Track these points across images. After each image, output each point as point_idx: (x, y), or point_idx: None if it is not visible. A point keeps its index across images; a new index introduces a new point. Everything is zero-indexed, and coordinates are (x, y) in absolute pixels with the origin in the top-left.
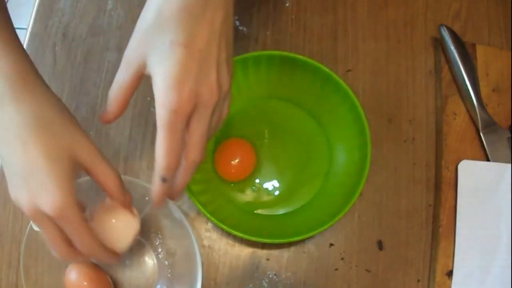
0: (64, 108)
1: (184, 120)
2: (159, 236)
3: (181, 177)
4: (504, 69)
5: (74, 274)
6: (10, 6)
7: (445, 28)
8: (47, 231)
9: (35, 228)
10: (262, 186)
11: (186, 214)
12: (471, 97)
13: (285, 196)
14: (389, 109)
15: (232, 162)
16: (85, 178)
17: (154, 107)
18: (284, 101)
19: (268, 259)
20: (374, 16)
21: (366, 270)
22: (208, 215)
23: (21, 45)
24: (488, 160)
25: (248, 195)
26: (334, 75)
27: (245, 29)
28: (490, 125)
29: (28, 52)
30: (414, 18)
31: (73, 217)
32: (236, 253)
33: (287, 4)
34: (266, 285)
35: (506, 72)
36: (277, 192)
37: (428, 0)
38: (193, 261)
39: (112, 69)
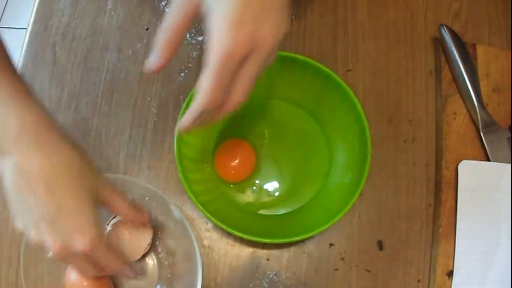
0: (83, 152)
1: (237, 63)
2: (159, 236)
3: (218, 113)
4: (504, 69)
5: (74, 274)
6: (10, 6)
7: (445, 28)
8: (78, 264)
9: (49, 255)
10: (262, 186)
11: (186, 214)
12: (471, 97)
13: (285, 196)
14: (389, 109)
15: (232, 163)
16: None
17: (154, 107)
18: (284, 101)
19: (268, 259)
20: (374, 16)
21: (366, 270)
22: (208, 215)
23: (32, 92)
24: (488, 160)
25: (248, 196)
26: (334, 75)
27: None
28: (490, 125)
29: (28, 52)
30: (414, 18)
31: (102, 250)
32: (236, 253)
33: None
34: (266, 285)
35: (506, 72)
36: (277, 193)
37: (428, 0)
38: (193, 261)
39: (112, 69)
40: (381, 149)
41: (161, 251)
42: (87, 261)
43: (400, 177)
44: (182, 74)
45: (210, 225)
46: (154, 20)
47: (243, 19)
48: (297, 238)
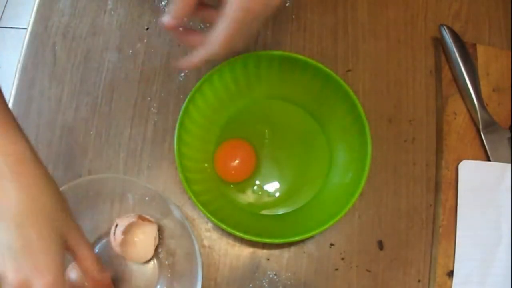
0: (58, 190)
1: (252, 20)
2: (159, 236)
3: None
4: (505, 69)
5: (74, 274)
6: (10, 6)
7: (445, 28)
8: None
9: None
10: (262, 187)
11: (186, 214)
12: (471, 97)
13: (285, 196)
14: (389, 109)
15: (231, 163)
16: (85, 179)
17: (154, 107)
18: (284, 101)
19: (268, 259)
20: (374, 16)
21: (367, 270)
22: (209, 215)
23: (18, 125)
24: (488, 160)
25: (248, 196)
26: (334, 75)
27: None
28: (491, 125)
29: (28, 52)
30: (414, 18)
31: None
32: (236, 253)
33: (287, 4)
34: (266, 285)
35: (507, 72)
36: (277, 193)
37: (428, 0)
38: (193, 261)
39: (112, 69)
40: (381, 149)
41: (161, 251)
42: None
43: (400, 177)
44: (182, 74)
45: (210, 225)
46: (154, 20)
47: None
48: (297, 238)
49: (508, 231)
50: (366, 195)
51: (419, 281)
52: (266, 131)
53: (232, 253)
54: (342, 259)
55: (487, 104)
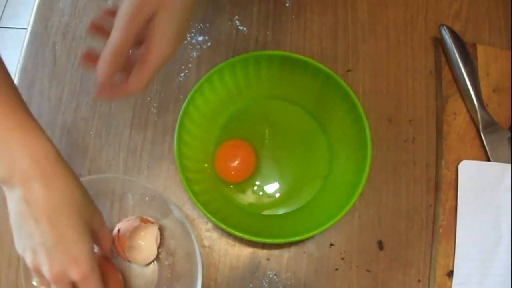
0: (79, 181)
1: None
2: (159, 236)
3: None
4: (505, 69)
5: None
6: (10, 6)
7: (445, 28)
8: None
9: (34, 283)
10: (262, 187)
11: (186, 214)
12: (471, 97)
13: (286, 196)
14: (389, 109)
15: (231, 163)
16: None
17: (154, 107)
18: (284, 101)
19: (268, 259)
20: (374, 16)
21: (367, 270)
22: (209, 215)
23: (37, 123)
24: (488, 160)
25: (248, 196)
26: (334, 75)
27: (245, 29)
28: (491, 125)
29: (28, 52)
30: (414, 18)
31: (95, 280)
32: (236, 253)
33: (287, 4)
34: (266, 285)
35: (507, 72)
36: (277, 193)
37: (428, 0)
38: (193, 261)
39: None
40: (381, 149)
41: (161, 251)
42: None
43: (400, 177)
44: (182, 74)
45: (210, 225)
46: None
47: None
48: (297, 238)
49: (508, 231)
50: (366, 195)
51: (419, 281)
52: (266, 131)
53: (232, 253)
54: (342, 259)
55: (487, 104)
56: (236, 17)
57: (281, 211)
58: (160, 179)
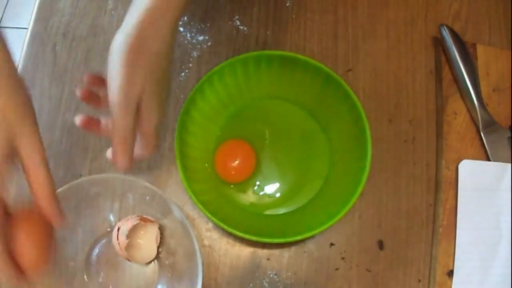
0: (26, 99)
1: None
2: (160, 235)
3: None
4: (505, 69)
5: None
6: (11, 6)
7: (445, 28)
8: None
9: None
10: (262, 187)
11: (186, 214)
12: (471, 97)
13: (286, 196)
14: (389, 109)
15: (232, 164)
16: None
17: None
18: (284, 101)
19: (268, 259)
20: (374, 16)
21: (367, 270)
22: (209, 215)
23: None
24: (488, 159)
25: (249, 196)
26: (335, 75)
27: (245, 28)
28: (491, 125)
29: (28, 52)
30: (414, 18)
31: None
32: (237, 253)
33: (287, 4)
34: (266, 285)
35: (507, 72)
36: (277, 193)
37: (428, 0)
38: (193, 260)
39: None
40: (381, 149)
41: (162, 250)
42: None
43: (400, 177)
44: (182, 74)
45: (210, 224)
46: None
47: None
48: (297, 238)
49: (508, 231)
50: (366, 195)
51: (419, 280)
52: (266, 131)
53: (232, 252)
54: (342, 258)
55: (487, 104)
56: (236, 17)
57: (281, 211)
58: (161, 178)
